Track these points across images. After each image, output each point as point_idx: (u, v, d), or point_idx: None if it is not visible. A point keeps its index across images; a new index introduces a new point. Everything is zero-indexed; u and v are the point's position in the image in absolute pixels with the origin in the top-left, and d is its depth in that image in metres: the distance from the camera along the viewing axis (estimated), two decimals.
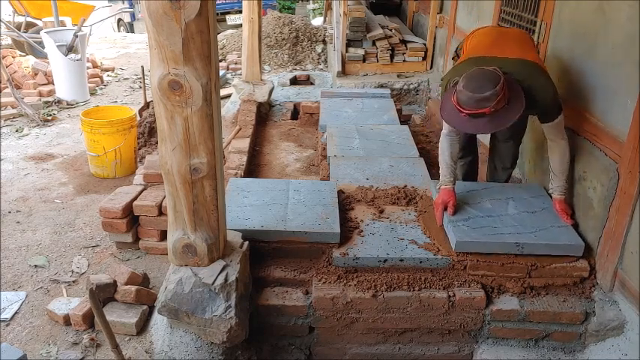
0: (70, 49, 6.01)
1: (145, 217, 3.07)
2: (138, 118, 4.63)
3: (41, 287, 2.82)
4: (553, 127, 2.71)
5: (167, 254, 2.35)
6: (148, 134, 4.56)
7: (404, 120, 5.02)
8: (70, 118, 5.54)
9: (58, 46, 5.83)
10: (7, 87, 5.53)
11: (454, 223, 2.72)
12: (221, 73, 6.81)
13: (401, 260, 2.63)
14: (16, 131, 5.09)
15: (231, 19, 10.88)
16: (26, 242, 3.22)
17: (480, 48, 2.83)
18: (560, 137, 2.73)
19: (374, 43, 6.27)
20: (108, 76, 7.29)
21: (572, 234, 2.70)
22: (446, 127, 2.84)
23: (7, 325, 2.53)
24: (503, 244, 2.61)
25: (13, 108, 5.48)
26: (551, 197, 2.91)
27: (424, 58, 6.32)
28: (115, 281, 2.59)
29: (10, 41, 7.57)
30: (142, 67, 5.21)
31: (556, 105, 2.66)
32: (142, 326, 2.52)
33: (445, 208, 2.83)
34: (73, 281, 2.87)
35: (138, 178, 3.37)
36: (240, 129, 4.48)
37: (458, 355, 2.72)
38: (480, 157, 3.62)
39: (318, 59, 7.77)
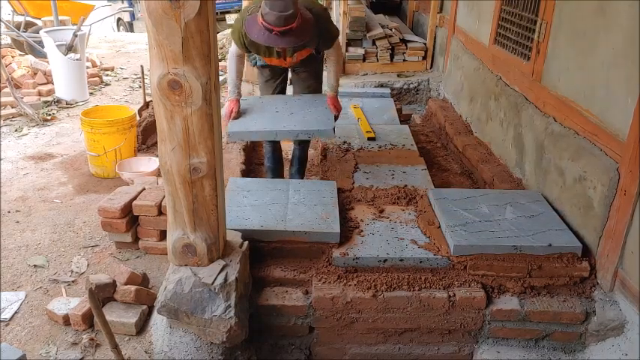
0: (69, 48, 5.99)
1: (144, 217, 3.06)
2: (137, 117, 4.62)
3: (40, 287, 2.81)
4: (334, 49, 3.30)
5: (167, 254, 2.35)
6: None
7: (404, 119, 5.01)
8: (70, 118, 5.53)
9: (57, 45, 5.81)
10: (6, 86, 5.51)
11: (452, 228, 2.72)
12: (221, 72, 6.79)
13: (401, 260, 2.62)
14: (16, 131, 5.08)
15: (231, 18, 10.86)
16: (25, 242, 3.22)
17: None
18: (338, 54, 3.35)
19: (374, 43, 6.25)
20: (107, 75, 7.28)
21: (570, 236, 2.70)
22: (234, 48, 3.26)
23: (6, 325, 2.53)
24: (501, 247, 2.61)
25: (12, 107, 5.47)
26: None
27: (424, 58, 6.32)
28: (114, 281, 2.59)
29: (9, 41, 7.55)
30: (141, 66, 5.20)
31: (333, 30, 3.22)
32: (142, 326, 2.52)
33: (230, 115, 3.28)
34: (73, 281, 2.86)
35: None
36: None
37: (458, 355, 2.71)
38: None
39: None
